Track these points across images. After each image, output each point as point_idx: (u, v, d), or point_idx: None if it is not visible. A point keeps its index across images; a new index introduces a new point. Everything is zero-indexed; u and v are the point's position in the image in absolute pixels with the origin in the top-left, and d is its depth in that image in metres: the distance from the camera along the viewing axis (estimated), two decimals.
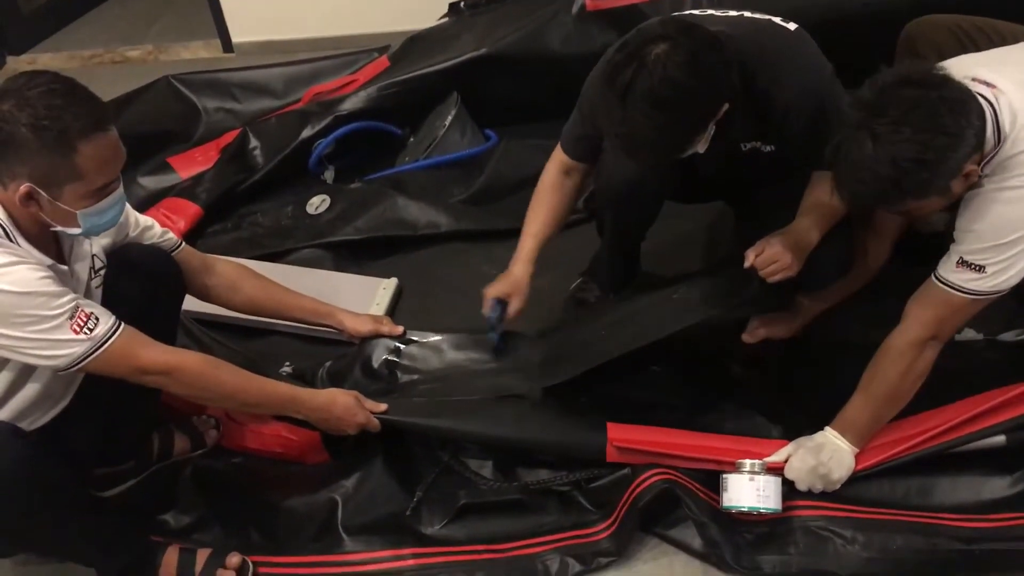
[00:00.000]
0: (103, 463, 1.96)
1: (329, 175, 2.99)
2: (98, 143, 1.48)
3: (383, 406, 1.94)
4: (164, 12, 4.86)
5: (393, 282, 2.52)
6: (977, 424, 1.83)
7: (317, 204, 2.83)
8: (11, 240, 1.50)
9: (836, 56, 1.81)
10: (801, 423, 1.90)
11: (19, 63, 4.46)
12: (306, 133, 2.97)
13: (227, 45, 4.35)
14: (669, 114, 1.60)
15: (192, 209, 2.79)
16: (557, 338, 2.17)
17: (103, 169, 1.51)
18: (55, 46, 4.61)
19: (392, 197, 2.78)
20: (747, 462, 1.80)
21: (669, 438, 1.90)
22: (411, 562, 1.84)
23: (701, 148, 1.72)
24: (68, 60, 4.45)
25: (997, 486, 1.85)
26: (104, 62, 4.43)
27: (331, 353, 2.25)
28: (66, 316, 1.50)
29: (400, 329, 2.24)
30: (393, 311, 2.46)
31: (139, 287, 1.81)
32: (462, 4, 3.31)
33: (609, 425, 1.91)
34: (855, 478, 1.83)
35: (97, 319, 1.55)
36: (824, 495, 1.83)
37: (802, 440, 1.84)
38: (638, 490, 1.82)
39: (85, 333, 1.53)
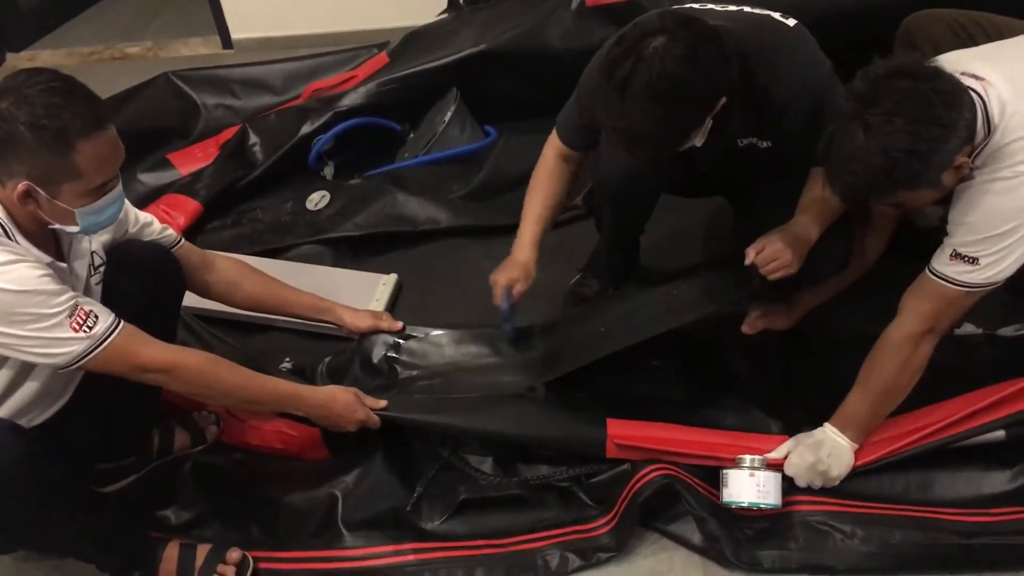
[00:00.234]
0: (103, 459, 1.96)
1: (329, 171, 2.99)
2: (97, 142, 1.48)
3: (383, 402, 1.94)
4: (163, 9, 4.85)
5: (393, 278, 2.52)
6: (976, 420, 1.83)
7: (317, 200, 2.83)
8: (10, 238, 1.49)
9: (835, 52, 1.81)
10: (801, 418, 1.91)
11: (19, 60, 4.45)
12: (305, 129, 2.97)
13: (226, 41, 4.34)
14: (667, 108, 1.60)
15: (192, 205, 2.79)
16: (557, 334, 2.17)
17: (102, 168, 1.51)
18: (55, 43, 4.60)
19: (392, 193, 2.78)
20: (747, 458, 1.81)
21: (669, 434, 1.90)
22: (411, 557, 1.84)
23: (698, 142, 1.72)
24: (67, 57, 4.44)
25: (996, 481, 1.86)
26: (104, 59, 4.42)
27: (331, 349, 2.26)
28: (65, 314, 1.50)
29: (400, 325, 2.24)
30: (393, 307, 2.46)
31: (139, 284, 1.81)
32: (461, 0, 3.31)
33: (609, 421, 1.92)
34: (854, 473, 1.83)
35: (96, 317, 1.55)
36: (824, 490, 1.84)
37: (801, 437, 1.85)
38: (638, 485, 1.82)
39: (84, 331, 1.53)
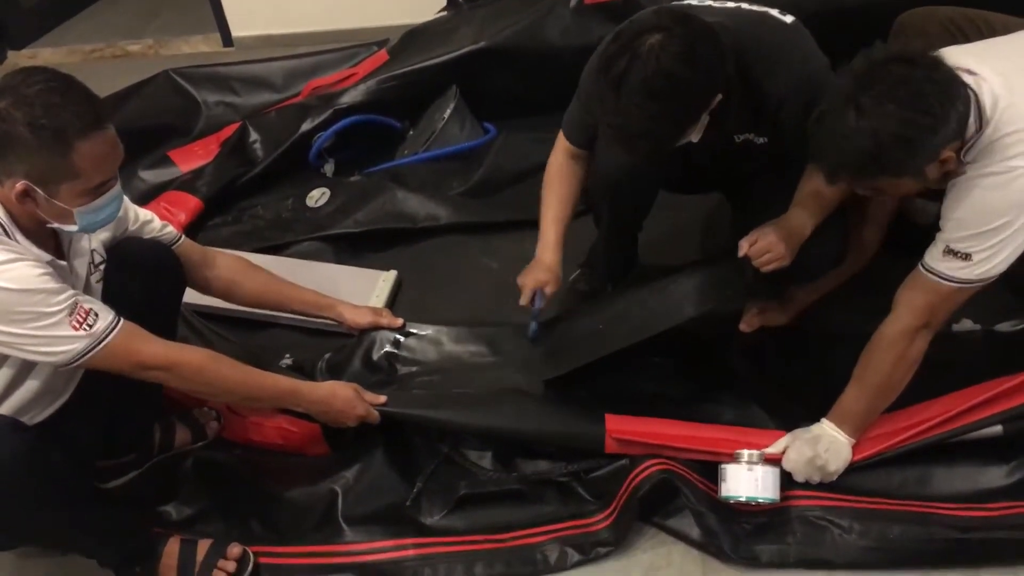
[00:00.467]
0: (105, 455, 1.97)
1: (329, 168, 3.00)
2: (95, 142, 1.48)
3: (383, 398, 1.95)
4: (164, 7, 4.86)
5: (392, 274, 2.53)
6: (974, 414, 1.83)
7: (317, 197, 2.84)
8: (9, 237, 1.50)
9: (833, 49, 1.81)
10: (799, 414, 1.91)
11: (19, 58, 4.46)
12: (306, 126, 2.98)
13: (227, 39, 4.35)
14: (663, 104, 1.61)
15: (192, 202, 2.80)
16: (556, 331, 2.18)
17: (100, 167, 1.51)
18: (55, 40, 4.61)
19: (392, 190, 2.78)
20: (745, 452, 1.81)
21: (667, 429, 1.91)
22: (411, 552, 1.84)
23: (694, 138, 1.73)
24: (68, 54, 4.45)
25: (994, 475, 1.86)
26: (104, 56, 4.43)
27: (331, 345, 2.26)
28: (65, 312, 1.51)
29: (399, 321, 2.25)
30: (392, 303, 2.46)
31: (139, 281, 1.81)
32: None
33: (607, 417, 1.92)
34: (852, 468, 1.83)
35: (96, 315, 1.55)
36: (822, 485, 1.84)
37: (799, 432, 1.85)
38: (636, 480, 1.83)
39: (84, 329, 1.53)
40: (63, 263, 1.62)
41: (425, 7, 3.40)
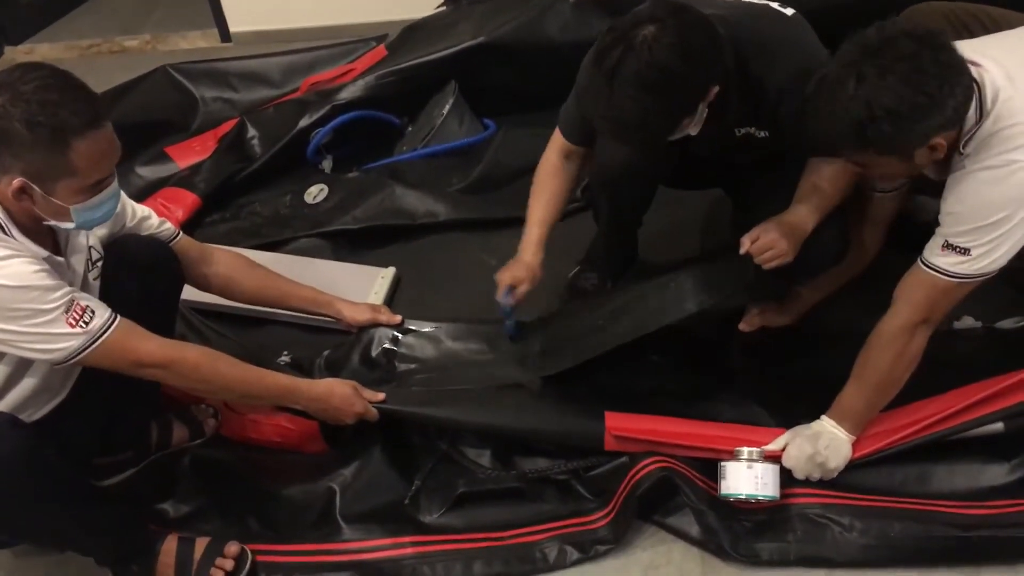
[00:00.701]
0: (102, 453, 1.96)
1: (327, 164, 2.99)
2: (93, 140, 1.47)
3: (381, 395, 1.94)
4: (162, 2, 4.84)
5: (391, 271, 2.52)
6: (975, 412, 1.83)
7: (315, 193, 2.83)
8: (6, 233, 1.49)
9: (834, 42, 1.80)
10: (799, 411, 1.90)
11: (16, 53, 4.45)
12: (304, 122, 2.97)
13: (225, 35, 4.33)
14: (656, 96, 1.60)
15: (190, 199, 2.79)
16: (555, 327, 2.17)
17: (97, 165, 1.51)
18: (53, 36, 4.59)
19: (390, 186, 2.78)
20: (745, 450, 1.81)
21: (667, 426, 1.90)
22: (410, 550, 1.84)
23: (693, 131, 1.72)
24: (66, 50, 4.44)
25: (995, 473, 1.85)
26: (102, 52, 4.41)
27: (329, 342, 2.26)
28: (61, 310, 1.50)
29: (398, 318, 2.24)
30: (391, 300, 2.46)
31: (137, 278, 1.81)
32: None
33: (607, 414, 1.92)
34: (853, 466, 1.83)
35: (93, 312, 1.55)
36: (822, 483, 1.83)
37: (799, 428, 1.84)
38: (636, 478, 1.82)
39: (81, 326, 1.53)
40: (60, 259, 1.62)
41: (424, 2, 3.39)
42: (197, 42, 4.39)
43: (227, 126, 3.06)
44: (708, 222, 2.57)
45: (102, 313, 1.57)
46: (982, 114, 1.56)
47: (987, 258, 1.61)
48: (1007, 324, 2.14)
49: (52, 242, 1.62)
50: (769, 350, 2.16)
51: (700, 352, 2.16)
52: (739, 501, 1.80)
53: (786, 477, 1.82)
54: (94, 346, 1.55)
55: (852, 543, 1.77)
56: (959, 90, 1.51)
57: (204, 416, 2.09)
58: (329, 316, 2.22)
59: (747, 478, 1.79)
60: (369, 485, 1.94)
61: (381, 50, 3.23)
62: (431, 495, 1.93)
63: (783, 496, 1.81)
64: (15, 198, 1.47)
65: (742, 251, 1.81)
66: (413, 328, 2.24)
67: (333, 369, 2.14)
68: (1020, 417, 1.82)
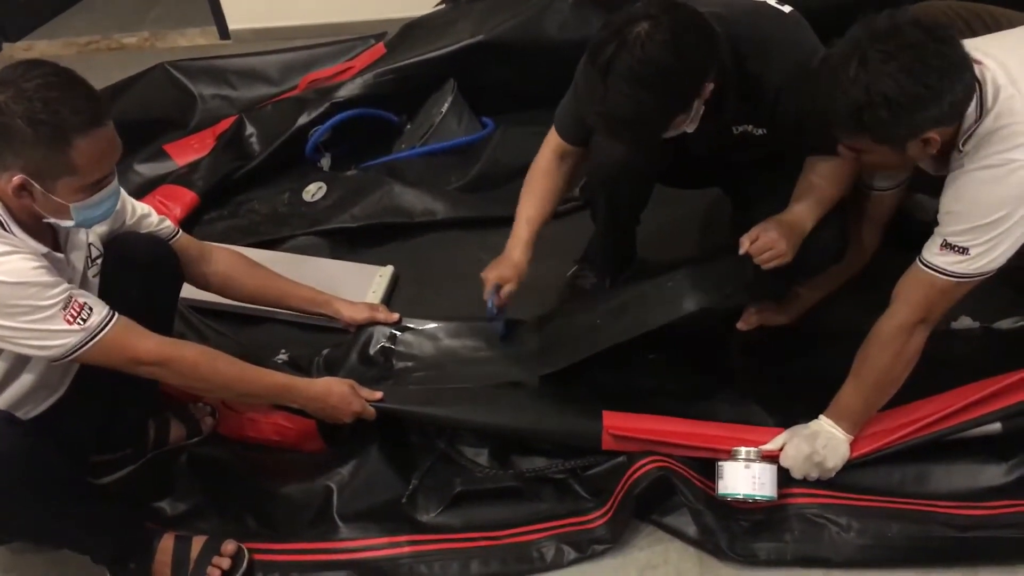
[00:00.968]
0: (99, 451, 1.96)
1: (325, 162, 2.98)
2: (94, 138, 1.47)
3: (379, 394, 1.94)
4: None
5: (389, 270, 2.52)
6: (973, 412, 1.83)
7: (313, 191, 2.83)
8: (5, 230, 1.49)
9: (832, 40, 1.80)
10: (797, 411, 1.90)
11: (14, 50, 4.45)
12: (302, 120, 2.96)
13: (223, 32, 4.33)
14: (648, 93, 1.60)
15: (188, 196, 2.79)
16: (553, 326, 2.17)
17: (98, 164, 1.51)
18: (51, 33, 4.59)
19: (388, 184, 2.77)
20: (742, 450, 1.81)
21: (664, 426, 1.90)
22: (407, 549, 1.84)
23: (690, 128, 1.72)
24: (64, 47, 4.44)
25: (992, 474, 1.85)
26: (100, 49, 4.41)
27: (327, 341, 2.26)
28: (59, 306, 1.50)
29: (396, 316, 2.24)
30: (389, 299, 2.46)
31: (136, 276, 1.81)
32: None
33: (605, 413, 1.91)
34: (850, 465, 1.83)
35: (91, 309, 1.55)
36: (819, 483, 1.83)
37: (797, 428, 1.84)
38: (633, 477, 1.82)
39: (79, 323, 1.52)
40: (60, 255, 1.61)
41: (423, 0, 3.39)
42: (196, 39, 4.39)
43: (225, 124, 3.06)
44: (706, 221, 2.57)
45: (100, 310, 1.57)
46: (982, 112, 1.56)
47: (986, 257, 1.61)
48: (1005, 324, 2.14)
49: (52, 239, 1.62)
50: (767, 349, 2.16)
51: (698, 351, 2.16)
52: (736, 501, 1.80)
53: (784, 477, 1.82)
54: (91, 343, 1.55)
55: (849, 543, 1.76)
56: (959, 86, 1.50)
57: (202, 414, 2.09)
58: (327, 315, 2.21)
59: (745, 478, 1.78)
60: (366, 484, 1.94)
61: (380, 48, 3.23)
62: (428, 494, 1.93)
63: (781, 496, 1.80)
64: (15, 195, 1.47)
65: (741, 251, 1.81)
66: (411, 326, 2.24)
67: (331, 368, 2.13)
68: (1018, 417, 1.82)
